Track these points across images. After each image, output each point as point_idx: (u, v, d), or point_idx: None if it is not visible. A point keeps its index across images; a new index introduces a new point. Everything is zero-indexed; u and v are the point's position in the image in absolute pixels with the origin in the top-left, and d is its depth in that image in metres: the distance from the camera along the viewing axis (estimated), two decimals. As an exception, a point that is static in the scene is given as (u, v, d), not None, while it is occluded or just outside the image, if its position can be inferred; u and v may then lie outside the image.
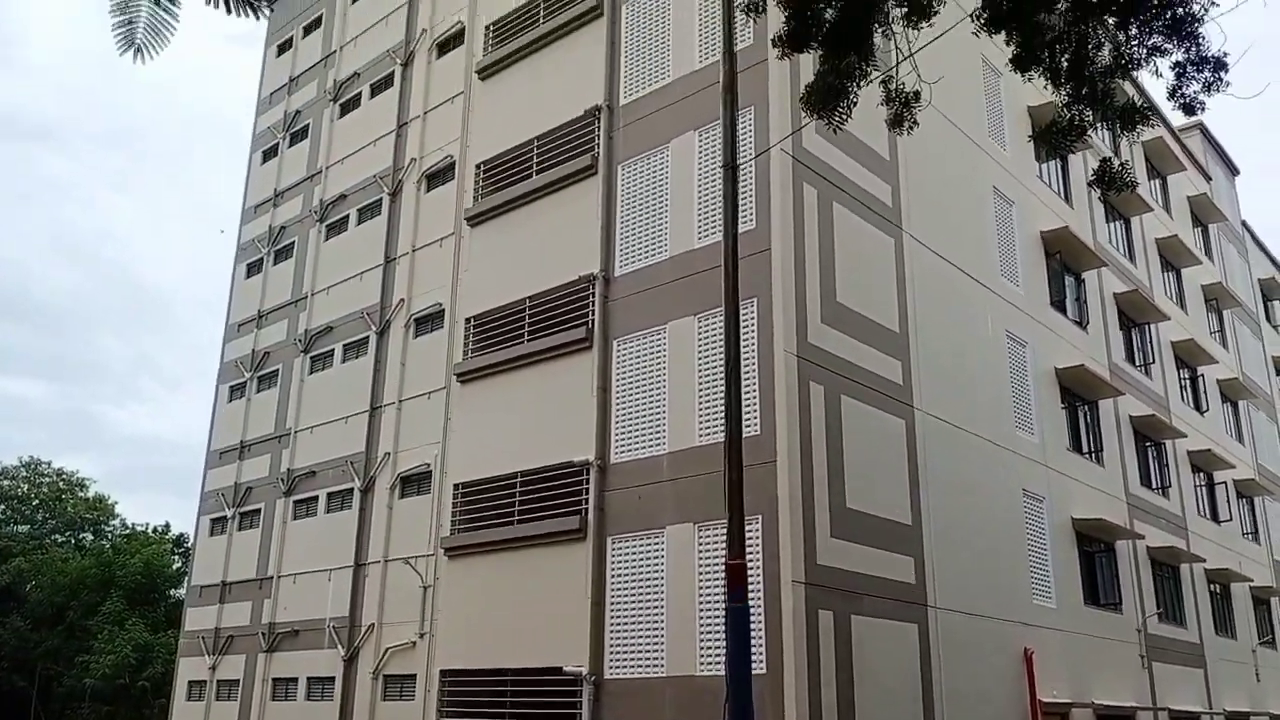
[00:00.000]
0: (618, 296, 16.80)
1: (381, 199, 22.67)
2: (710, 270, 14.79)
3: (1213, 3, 9.73)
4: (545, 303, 17.82)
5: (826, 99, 9.37)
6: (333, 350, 22.65)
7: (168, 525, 53.71)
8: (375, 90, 24.28)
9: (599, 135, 17.84)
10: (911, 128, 10.65)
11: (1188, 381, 29.47)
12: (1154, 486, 25.09)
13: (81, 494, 54.94)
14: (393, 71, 23.74)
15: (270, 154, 27.28)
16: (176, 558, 50.78)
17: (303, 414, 22.72)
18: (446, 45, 22.57)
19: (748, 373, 14.46)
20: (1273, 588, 31.28)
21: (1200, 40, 9.82)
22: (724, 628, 6.88)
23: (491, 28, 20.97)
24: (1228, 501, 29.64)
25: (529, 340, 17.83)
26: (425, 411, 19.63)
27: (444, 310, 20.06)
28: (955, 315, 18.74)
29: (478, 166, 20.11)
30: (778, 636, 13.01)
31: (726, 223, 7.21)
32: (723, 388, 14.40)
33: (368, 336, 21.69)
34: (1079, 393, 22.62)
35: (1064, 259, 23.35)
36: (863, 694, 13.74)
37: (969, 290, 19.39)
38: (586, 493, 15.93)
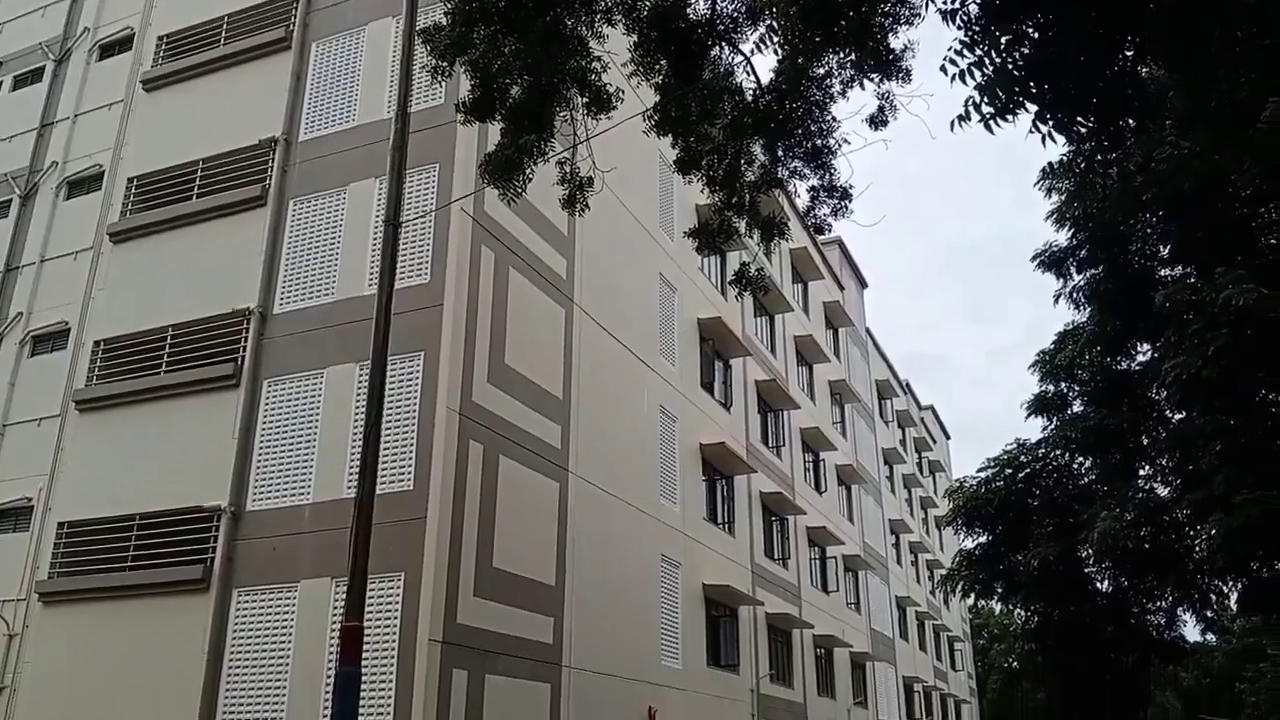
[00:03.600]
0: (274, 335, 16.02)
1: (11, 200, 20.14)
2: (377, 320, 14.54)
3: (845, 140, 11.25)
4: (191, 333, 16.57)
5: (504, 171, 9.68)
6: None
7: None
8: (19, 83, 21.69)
9: (272, 167, 17.08)
10: (583, 210, 11.25)
11: (811, 465, 32.82)
12: (776, 558, 27.53)
13: None
14: (43, 67, 21.35)
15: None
16: None
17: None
18: (111, 49, 20.68)
19: (407, 426, 14.30)
20: (868, 654, 35.18)
21: (832, 170, 11.28)
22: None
23: (165, 39, 19.52)
24: (837, 574, 33.13)
25: (167, 371, 16.48)
26: (35, 441, 17.42)
27: (69, 330, 18.04)
28: (615, 387, 19.69)
29: (130, 180, 18.47)
30: (408, 696, 12.74)
31: (382, 279, 7.19)
32: (385, 440, 14.17)
33: (-27, 351, 18.97)
34: (719, 468, 24.46)
35: (716, 346, 25.38)
36: (490, 757, 13.75)
37: (630, 365, 20.48)
38: (215, 540, 14.86)
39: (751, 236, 11.94)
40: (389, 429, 14.40)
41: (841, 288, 40.69)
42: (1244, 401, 13.17)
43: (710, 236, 11.59)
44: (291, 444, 15.16)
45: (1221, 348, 12.12)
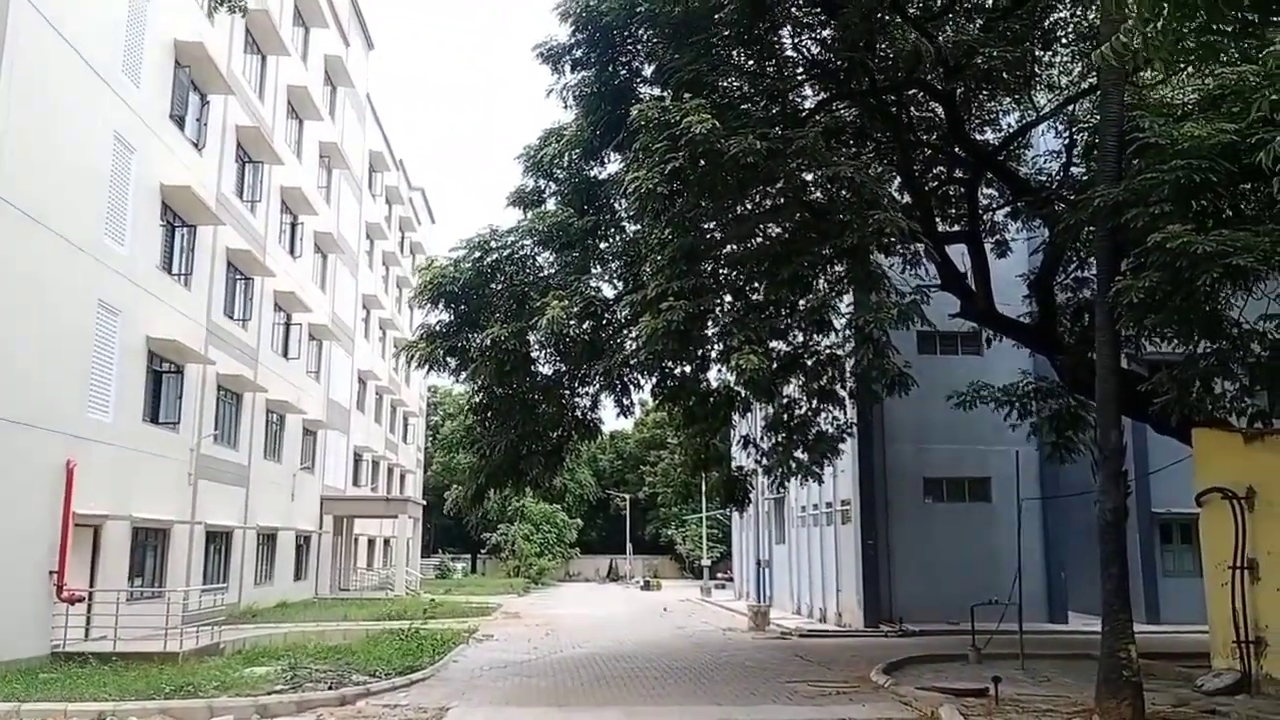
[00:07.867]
0: None
1: None
2: None
3: None
4: None
5: None
6: None
7: None
8: None
9: None
10: None
11: (288, 227, 31.29)
12: (235, 317, 26.17)
13: None
14: None
15: None
16: None
17: None
18: None
19: None
20: (322, 421, 35.46)
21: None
22: None
23: None
24: (300, 341, 32.52)
25: None
26: None
27: None
28: (60, 99, 16.74)
29: None
30: None
31: None
32: None
33: None
34: (181, 214, 22.27)
35: (193, 75, 22.55)
36: None
37: (81, 77, 17.45)
38: None
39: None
40: None
41: (347, 44, 38.27)
42: (684, 220, 14.89)
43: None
44: None
45: (677, 169, 13.45)
